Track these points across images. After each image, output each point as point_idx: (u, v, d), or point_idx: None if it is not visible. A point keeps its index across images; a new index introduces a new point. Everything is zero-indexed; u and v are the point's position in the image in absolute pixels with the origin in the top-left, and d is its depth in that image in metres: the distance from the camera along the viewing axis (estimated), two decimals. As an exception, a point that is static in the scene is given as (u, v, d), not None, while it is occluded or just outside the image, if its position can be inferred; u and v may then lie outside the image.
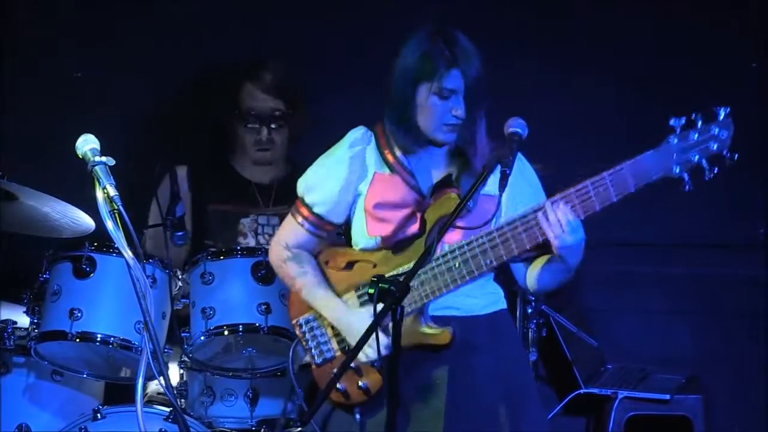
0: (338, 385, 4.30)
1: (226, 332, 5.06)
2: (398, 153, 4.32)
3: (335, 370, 4.31)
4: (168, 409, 4.95)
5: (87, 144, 3.87)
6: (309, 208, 4.38)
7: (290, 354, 4.51)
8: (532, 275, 4.32)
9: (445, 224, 4.05)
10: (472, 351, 4.30)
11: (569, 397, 5.82)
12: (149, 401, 5.24)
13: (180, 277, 5.17)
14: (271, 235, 5.69)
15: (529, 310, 5.74)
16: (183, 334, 5.10)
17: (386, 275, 4.20)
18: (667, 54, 6.09)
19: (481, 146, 4.28)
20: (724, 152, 3.96)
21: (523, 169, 4.33)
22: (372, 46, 5.98)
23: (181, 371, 5.18)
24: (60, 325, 4.96)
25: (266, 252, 5.05)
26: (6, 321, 5.18)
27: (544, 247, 4.19)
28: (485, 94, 4.25)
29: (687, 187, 3.98)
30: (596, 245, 5.47)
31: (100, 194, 3.78)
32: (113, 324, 4.96)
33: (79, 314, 4.95)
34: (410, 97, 4.24)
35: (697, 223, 6.04)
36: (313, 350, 4.39)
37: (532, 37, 6.14)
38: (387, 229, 4.30)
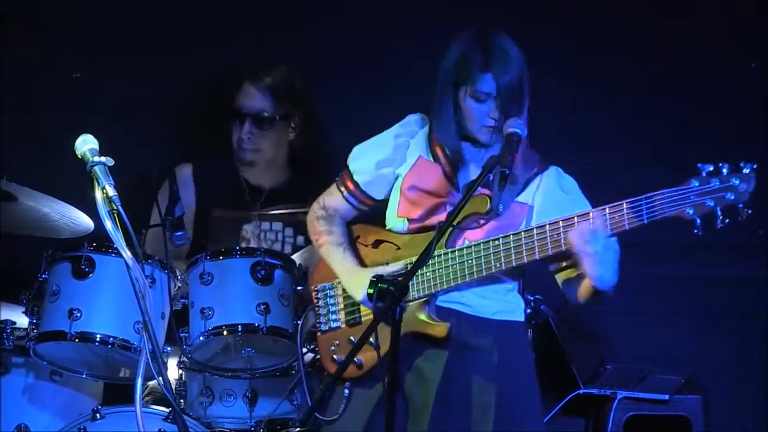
0: (335, 357, 4.49)
1: (225, 332, 5.05)
2: (446, 147, 4.45)
3: (336, 342, 4.50)
4: (167, 410, 4.94)
5: (86, 144, 3.88)
6: (351, 176, 4.56)
7: (302, 319, 4.73)
8: (562, 284, 4.41)
9: (444, 225, 4.12)
10: (473, 351, 4.34)
11: (568, 398, 5.82)
12: (149, 393, 5.25)
13: (179, 277, 5.16)
14: (273, 241, 5.72)
15: (528, 311, 5.73)
16: (182, 335, 5.09)
17: (408, 260, 4.34)
18: (666, 54, 6.09)
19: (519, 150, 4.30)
20: (740, 205, 4.01)
21: (562, 183, 4.42)
22: (379, 56, 6.01)
23: (180, 371, 5.18)
24: (59, 325, 4.95)
25: (265, 252, 5.08)
26: (5, 321, 5.17)
27: (557, 260, 4.26)
28: (522, 98, 4.32)
29: (697, 231, 4.03)
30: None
31: (99, 194, 3.78)
32: (112, 324, 4.95)
33: (78, 314, 4.94)
34: (450, 99, 4.37)
35: (697, 223, 6.03)
36: (321, 317, 4.56)
37: (535, 41, 6.13)
38: (415, 213, 4.43)
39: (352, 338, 4.47)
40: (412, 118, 4.54)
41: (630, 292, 6.12)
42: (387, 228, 4.52)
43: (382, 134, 4.56)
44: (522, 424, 4.36)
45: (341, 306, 4.52)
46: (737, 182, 4.01)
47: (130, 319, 4.94)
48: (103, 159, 3.84)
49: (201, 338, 5.06)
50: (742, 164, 4.02)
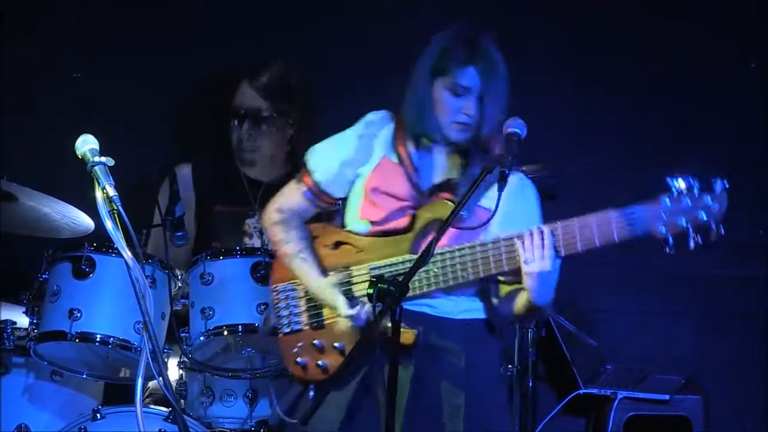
0: (299, 359, 4.37)
1: (225, 332, 5.05)
2: (410, 147, 4.36)
3: (300, 344, 4.38)
4: (167, 410, 4.94)
5: (86, 144, 3.88)
6: (310, 174, 4.43)
7: (263, 317, 4.73)
8: (495, 301, 4.33)
9: (442, 227, 4.04)
10: (441, 354, 4.27)
11: (569, 398, 5.82)
12: (150, 395, 5.25)
13: (179, 277, 5.17)
14: (276, 235, 5.72)
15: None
16: (182, 335, 5.10)
17: (370, 264, 4.28)
18: (666, 54, 6.09)
19: (492, 154, 4.23)
20: (712, 225, 3.94)
21: (525, 192, 4.34)
22: (379, 56, 6.01)
23: (181, 372, 5.18)
24: (59, 325, 4.96)
25: (266, 252, 5.08)
26: (5, 321, 5.18)
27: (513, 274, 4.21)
28: (502, 100, 4.24)
29: (669, 250, 3.97)
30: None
31: (99, 194, 3.78)
32: (112, 324, 4.96)
33: (78, 314, 4.95)
34: (427, 90, 4.28)
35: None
36: (283, 319, 4.44)
37: (535, 41, 6.13)
38: (377, 216, 4.33)
39: (315, 342, 4.35)
40: (376, 117, 4.42)
41: (630, 292, 6.15)
42: (346, 229, 4.41)
43: (344, 133, 4.43)
44: (489, 417, 4.29)
45: (303, 308, 4.40)
46: (710, 201, 3.94)
47: (130, 319, 4.95)
48: (103, 159, 3.83)
49: (201, 338, 5.06)
50: (714, 181, 3.94)
